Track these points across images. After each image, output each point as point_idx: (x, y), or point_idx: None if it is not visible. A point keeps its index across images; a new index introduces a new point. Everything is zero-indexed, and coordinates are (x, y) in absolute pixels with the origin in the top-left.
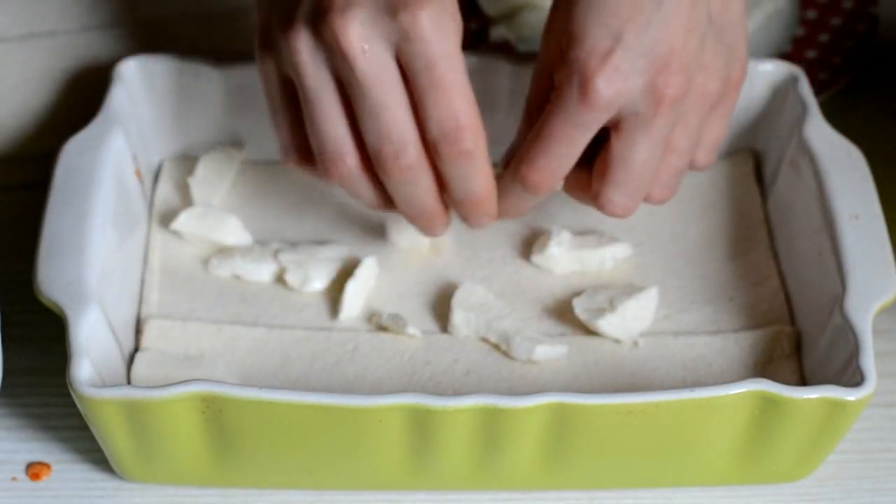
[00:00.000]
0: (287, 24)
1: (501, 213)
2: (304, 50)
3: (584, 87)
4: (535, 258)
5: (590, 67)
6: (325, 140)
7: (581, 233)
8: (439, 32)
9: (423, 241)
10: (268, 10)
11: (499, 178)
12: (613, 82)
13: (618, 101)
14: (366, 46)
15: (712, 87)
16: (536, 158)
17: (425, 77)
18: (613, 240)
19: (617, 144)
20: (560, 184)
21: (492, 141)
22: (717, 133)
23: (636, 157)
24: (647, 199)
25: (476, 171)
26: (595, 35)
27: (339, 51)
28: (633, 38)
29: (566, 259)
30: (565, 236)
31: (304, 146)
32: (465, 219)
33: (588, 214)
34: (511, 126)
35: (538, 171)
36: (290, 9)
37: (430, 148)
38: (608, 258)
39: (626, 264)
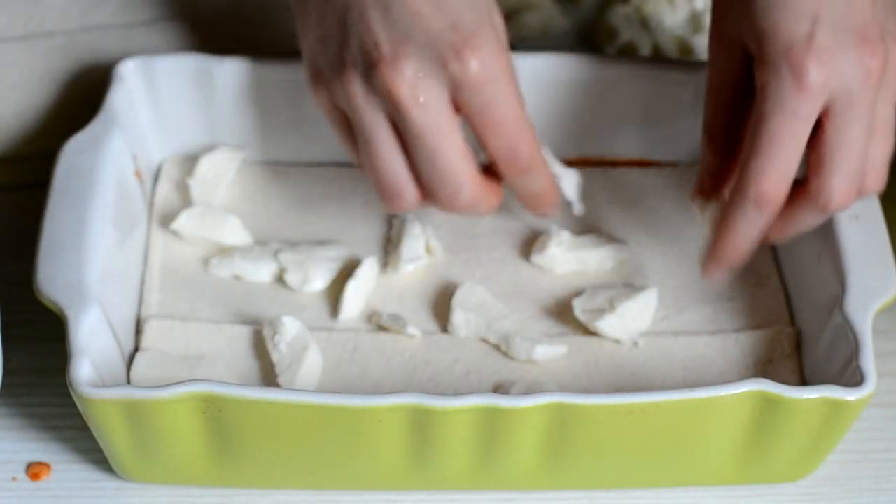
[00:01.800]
0: (339, 68)
1: (728, 257)
2: (358, 94)
3: (798, 74)
4: (535, 258)
5: (797, 53)
6: (384, 176)
7: (581, 233)
8: (490, 74)
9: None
10: (314, 47)
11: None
12: (824, 62)
13: (832, 82)
14: (419, 96)
15: None
16: (765, 168)
17: (480, 117)
18: (613, 240)
19: (832, 128)
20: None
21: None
22: None
23: (853, 138)
24: (863, 188)
25: (535, 177)
26: (791, 21)
27: (392, 100)
28: (828, 15)
29: (566, 259)
30: (565, 236)
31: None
32: (531, 209)
33: (588, 214)
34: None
35: (770, 181)
36: (340, 50)
37: (491, 163)
38: (608, 258)
39: (625, 264)
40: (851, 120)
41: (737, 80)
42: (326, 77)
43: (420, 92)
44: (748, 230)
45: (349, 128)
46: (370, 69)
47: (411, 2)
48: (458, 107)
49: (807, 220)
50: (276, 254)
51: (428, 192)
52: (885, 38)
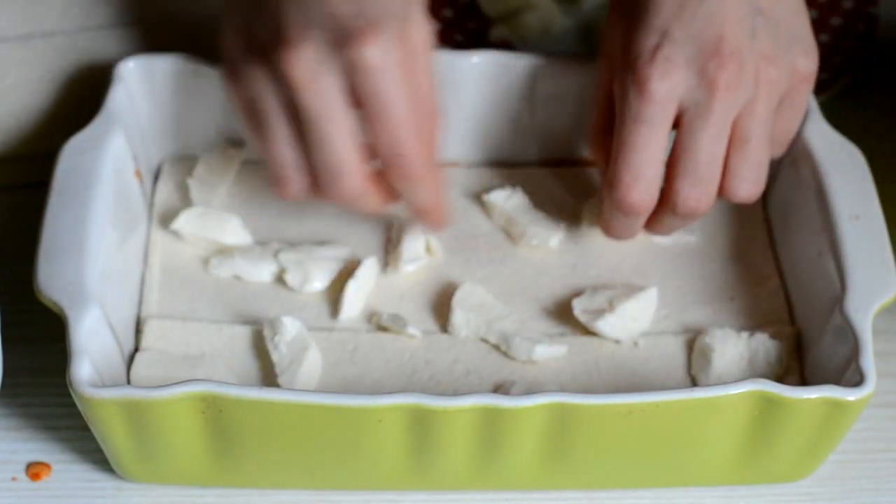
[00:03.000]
0: (246, 54)
1: (617, 238)
2: (259, 77)
3: (639, 83)
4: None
5: (641, 62)
6: (276, 162)
7: (581, 233)
8: (384, 64)
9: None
10: (232, 39)
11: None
12: (666, 73)
13: (675, 91)
14: (312, 80)
15: (774, 75)
16: (623, 176)
17: (372, 106)
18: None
19: (680, 135)
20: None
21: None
22: (785, 125)
23: (700, 146)
24: (730, 195)
25: (421, 189)
26: (642, 36)
27: (288, 83)
28: (678, 31)
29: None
30: (556, 239)
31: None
32: (419, 221)
33: (589, 215)
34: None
35: (628, 188)
36: (249, 36)
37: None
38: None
39: (626, 264)
40: (698, 129)
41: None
42: (236, 64)
43: (315, 76)
44: (622, 229)
45: (258, 119)
46: (272, 52)
47: None
48: (354, 98)
49: (669, 223)
50: (276, 254)
51: (315, 178)
52: (742, 53)
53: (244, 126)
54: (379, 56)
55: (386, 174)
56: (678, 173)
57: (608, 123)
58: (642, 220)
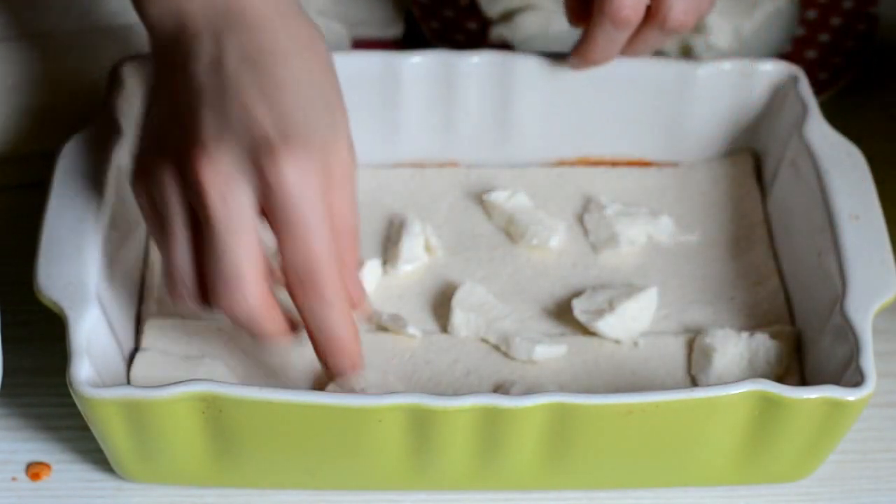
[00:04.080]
0: (159, 156)
1: (596, 61)
2: (167, 180)
3: None
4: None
5: None
6: (170, 268)
7: (577, 234)
8: (300, 183)
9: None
10: (145, 140)
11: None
12: None
13: None
14: (224, 191)
15: None
16: None
17: (284, 226)
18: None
19: None
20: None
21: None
22: None
23: None
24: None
25: (333, 314)
26: None
27: (196, 189)
28: None
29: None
30: (555, 240)
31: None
32: (326, 365)
33: (588, 216)
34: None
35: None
36: (164, 138)
37: (290, 290)
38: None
39: (626, 264)
40: None
41: None
42: (147, 165)
43: (225, 187)
44: (606, 44)
45: (161, 223)
46: (184, 154)
47: (243, 96)
48: (264, 212)
49: (653, 40)
50: (276, 253)
51: (211, 292)
52: None
53: (149, 232)
54: (295, 173)
55: (295, 296)
56: None
57: None
58: (627, 34)
